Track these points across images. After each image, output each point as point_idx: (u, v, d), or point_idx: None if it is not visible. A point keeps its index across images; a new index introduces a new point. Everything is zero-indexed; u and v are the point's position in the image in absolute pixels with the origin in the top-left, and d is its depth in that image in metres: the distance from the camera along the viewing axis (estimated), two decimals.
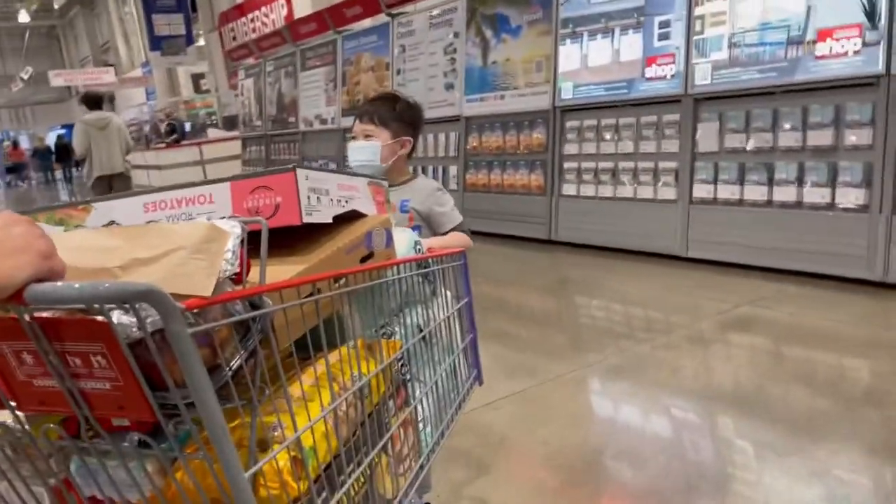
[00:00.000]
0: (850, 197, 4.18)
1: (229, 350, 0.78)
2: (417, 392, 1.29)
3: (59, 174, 24.51)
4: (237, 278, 0.81)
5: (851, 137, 4.19)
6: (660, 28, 5.19)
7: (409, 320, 1.33)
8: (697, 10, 4.92)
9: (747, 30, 4.64)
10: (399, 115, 2.11)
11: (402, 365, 1.25)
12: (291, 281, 0.89)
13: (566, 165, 6.00)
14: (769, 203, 4.58)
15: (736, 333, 3.65)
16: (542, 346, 3.76)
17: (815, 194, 4.34)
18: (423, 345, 1.33)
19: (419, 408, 1.29)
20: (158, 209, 1.06)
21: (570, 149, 5.97)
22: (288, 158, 10.38)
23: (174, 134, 14.32)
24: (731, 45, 4.72)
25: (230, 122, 13.82)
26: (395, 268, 1.23)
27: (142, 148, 14.85)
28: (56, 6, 33.80)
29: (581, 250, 5.81)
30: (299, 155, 9.89)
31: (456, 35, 7.08)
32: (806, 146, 4.40)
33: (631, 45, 5.40)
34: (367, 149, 2.07)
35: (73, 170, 22.51)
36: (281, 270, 0.96)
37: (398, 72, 7.94)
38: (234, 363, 0.78)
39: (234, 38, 13.77)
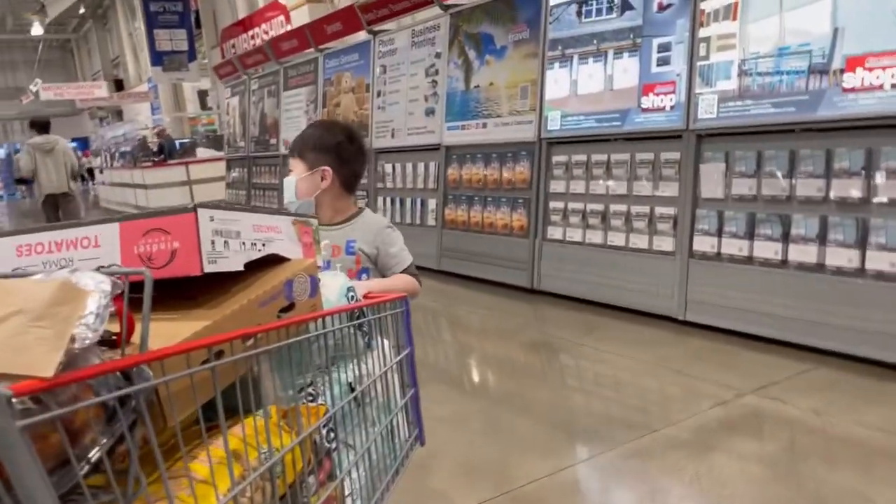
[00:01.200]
0: (884, 261, 3.39)
1: (90, 436, 0.65)
2: (346, 462, 1.15)
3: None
4: (117, 341, 0.73)
5: (888, 188, 3.40)
6: (659, 51, 4.46)
7: (338, 377, 1.19)
8: (702, 32, 4.18)
9: (761, 55, 3.88)
10: (315, 144, 1.97)
11: (328, 431, 1.10)
12: (179, 346, 0.75)
13: (552, 205, 5.25)
14: (784, 263, 3.80)
15: (738, 438, 2.85)
16: (500, 435, 2.98)
17: (840, 256, 3.55)
18: (355, 405, 1.20)
19: (347, 480, 1.14)
20: (34, 252, 0.95)
21: (557, 186, 5.22)
22: (268, 183, 9.72)
23: (161, 153, 13.76)
24: (742, 73, 3.97)
25: (219, 142, 13.24)
26: (321, 321, 1.09)
27: (129, 166, 14.30)
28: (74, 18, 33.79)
29: (565, 303, 5.04)
30: (280, 178, 9.21)
31: (438, 55, 6.39)
32: (829, 197, 3.62)
33: (626, 71, 4.66)
34: (289, 184, 1.96)
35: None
36: (176, 329, 0.85)
37: (378, 94, 7.26)
38: (94, 454, 0.65)
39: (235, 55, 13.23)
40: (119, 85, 28.09)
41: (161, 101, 23.09)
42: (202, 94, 21.78)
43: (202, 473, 0.79)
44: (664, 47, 4.43)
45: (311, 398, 1.10)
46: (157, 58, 19.21)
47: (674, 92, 4.35)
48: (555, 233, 5.23)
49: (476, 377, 4.07)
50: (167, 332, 0.82)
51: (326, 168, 1.96)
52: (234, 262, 0.99)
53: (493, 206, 5.76)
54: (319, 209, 1.97)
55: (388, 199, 7.04)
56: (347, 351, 1.22)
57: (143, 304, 0.74)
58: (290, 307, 1.08)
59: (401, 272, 2.01)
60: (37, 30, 30.12)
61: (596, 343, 4.19)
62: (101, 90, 23.69)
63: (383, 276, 2.00)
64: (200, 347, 0.78)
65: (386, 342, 1.34)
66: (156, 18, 19.00)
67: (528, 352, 4.26)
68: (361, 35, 7.61)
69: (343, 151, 1.99)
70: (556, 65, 5.18)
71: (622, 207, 4.73)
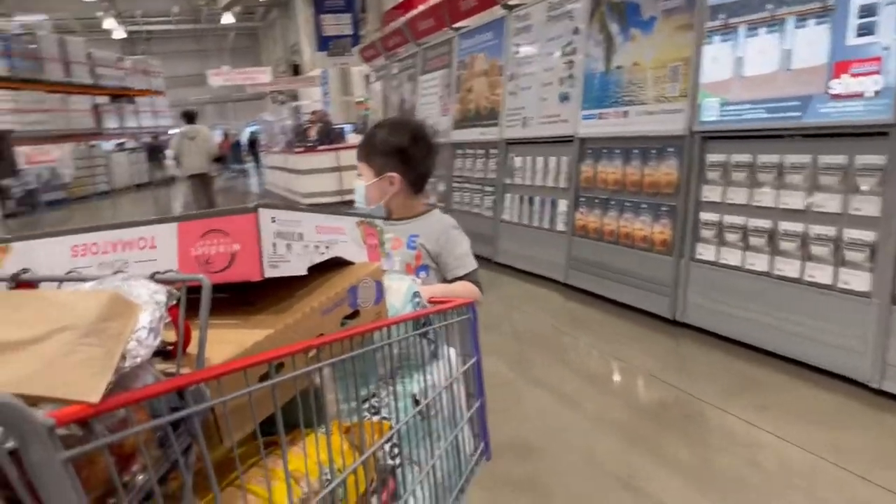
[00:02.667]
0: None
1: (141, 462, 0.60)
2: (410, 479, 1.06)
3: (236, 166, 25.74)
4: (172, 351, 0.68)
5: None
6: (860, 16, 3.24)
7: (402, 389, 1.10)
8: None
9: None
10: (381, 148, 1.88)
11: (391, 447, 1.03)
12: (238, 362, 0.70)
13: (703, 217, 4.15)
14: None
15: None
16: None
17: None
18: (420, 418, 1.11)
19: (412, 500, 1.05)
20: (89, 253, 0.90)
21: (711, 193, 4.12)
22: None
23: (321, 138, 13.77)
24: None
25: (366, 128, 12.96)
26: (386, 329, 1.02)
27: (286, 150, 14.49)
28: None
29: (714, 343, 3.96)
30: None
31: (576, 31, 5.41)
32: None
33: (811, 44, 3.47)
34: (358, 189, 1.97)
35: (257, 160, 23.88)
36: (235, 339, 0.79)
37: (510, 77, 6.40)
38: (144, 482, 0.60)
39: None
40: (296, 70, 29.22)
41: (330, 86, 23.64)
42: (367, 79, 21.96)
43: (260, 495, 0.76)
44: (868, 10, 3.20)
45: (373, 411, 1.05)
46: (324, 42, 19.54)
47: (879, 72, 3.12)
48: (706, 252, 4.13)
49: (554, 449, 3.17)
50: (225, 341, 0.77)
51: (394, 174, 1.88)
52: (296, 266, 0.91)
53: (632, 212, 4.74)
54: (392, 212, 1.92)
55: (517, 198, 6.19)
56: (412, 361, 1.15)
57: (199, 312, 0.68)
58: (354, 315, 1.00)
59: (462, 277, 1.88)
60: (227, 19, 32.18)
61: (749, 411, 3.12)
62: (264, 76, 24.65)
63: (444, 278, 1.90)
64: (261, 363, 0.73)
65: (452, 351, 1.28)
66: (323, 3, 19.32)
67: (645, 416, 3.26)
68: (497, 11, 6.77)
69: (410, 154, 1.89)
70: (717, 38, 4.05)
71: (797, 227, 3.56)
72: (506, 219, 6.38)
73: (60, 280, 0.79)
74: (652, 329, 4.35)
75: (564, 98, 5.54)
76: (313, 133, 14.74)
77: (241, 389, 0.69)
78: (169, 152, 13.91)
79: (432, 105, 8.19)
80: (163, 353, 0.67)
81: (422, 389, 1.14)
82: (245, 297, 0.93)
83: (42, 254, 0.93)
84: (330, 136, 14.02)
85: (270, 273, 0.86)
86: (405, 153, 1.88)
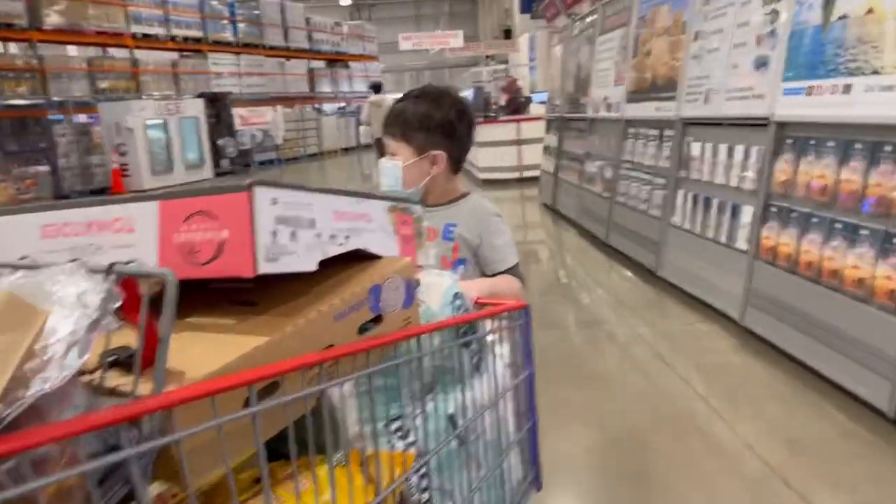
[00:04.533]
0: None
1: None
2: None
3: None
4: (143, 362, 0.55)
5: None
6: None
7: (437, 408, 0.96)
8: None
9: None
10: (424, 123, 1.69)
11: (420, 476, 0.89)
12: (206, 385, 0.56)
13: None
14: None
15: None
16: None
17: None
18: (457, 443, 0.97)
19: None
20: (61, 234, 0.78)
21: None
22: (573, 152, 7.86)
23: (510, 107, 12.72)
24: None
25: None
26: (415, 339, 0.87)
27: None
28: None
29: None
30: (585, 145, 7.28)
31: None
32: None
33: None
34: (390, 170, 1.70)
35: None
36: (217, 349, 0.66)
37: (695, 36, 4.82)
38: None
39: None
40: (507, 34, 28.34)
41: (537, 51, 22.37)
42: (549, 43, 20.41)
43: None
44: None
45: (401, 435, 0.91)
46: (527, 4, 18.32)
47: None
48: None
49: None
50: (206, 353, 0.66)
51: (439, 153, 1.69)
52: (303, 261, 0.77)
53: (847, 239, 3.12)
54: (426, 197, 1.71)
55: (691, 197, 4.67)
56: (449, 375, 1.00)
57: (161, 318, 0.56)
58: (376, 320, 0.85)
59: (504, 271, 1.70)
60: None
61: None
62: (456, 39, 23.83)
63: (482, 272, 1.71)
64: (237, 386, 0.58)
65: (499, 362, 1.10)
66: None
67: None
68: None
69: (456, 129, 1.71)
70: None
71: None
72: (676, 222, 4.89)
73: (14, 266, 0.63)
74: (870, 430, 2.78)
75: (761, 64, 3.92)
76: (502, 102, 13.76)
77: (210, 420, 0.55)
78: (363, 118, 14.62)
79: (607, 72, 6.74)
80: (123, 364, 0.56)
81: (460, 408, 0.98)
82: (244, 295, 0.79)
83: (9, 232, 0.80)
84: (516, 106, 12.93)
85: (267, 268, 0.70)
86: (452, 128, 1.71)
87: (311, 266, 0.78)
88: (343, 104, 24.42)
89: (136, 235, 0.74)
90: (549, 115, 9.62)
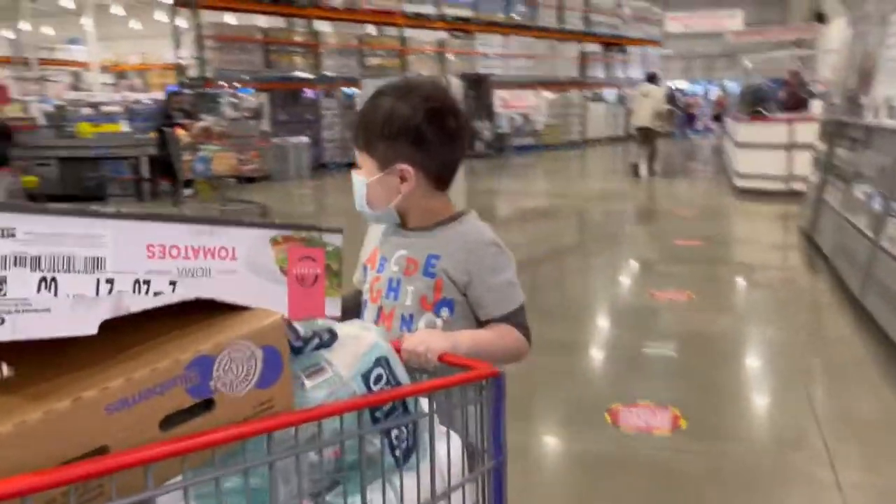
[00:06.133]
0: None
1: None
2: None
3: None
4: None
5: None
6: None
7: None
8: None
9: None
10: (385, 128, 1.37)
11: None
12: None
13: None
14: None
15: None
16: None
17: None
18: None
19: None
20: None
21: None
22: (840, 167, 6.01)
23: (786, 102, 10.68)
24: None
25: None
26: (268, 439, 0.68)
27: (740, 116, 11.63)
28: None
29: None
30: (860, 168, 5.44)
31: None
32: None
33: None
34: (356, 187, 1.44)
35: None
36: None
37: None
38: None
39: None
40: (819, 19, 24.59)
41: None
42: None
43: None
44: None
45: None
46: None
47: None
48: None
49: None
50: None
51: (405, 166, 1.37)
52: (65, 321, 0.58)
53: None
54: (405, 218, 1.44)
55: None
56: (359, 469, 0.77)
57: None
58: (204, 404, 0.65)
59: (500, 318, 1.37)
60: None
61: None
62: (734, 20, 20.78)
63: (476, 318, 1.38)
64: None
65: (453, 443, 0.94)
66: None
67: None
68: None
69: (425, 135, 1.36)
70: None
71: None
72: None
73: None
74: None
75: None
76: (782, 96, 11.66)
77: None
78: (631, 106, 14.85)
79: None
80: None
81: None
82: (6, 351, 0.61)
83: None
84: (795, 102, 10.82)
85: None
86: (419, 134, 1.36)
87: (81, 328, 0.60)
88: (617, 91, 23.10)
89: None
90: (824, 115, 7.63)
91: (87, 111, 14.93)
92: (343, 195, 3.81)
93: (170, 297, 0.67)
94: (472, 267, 1.40)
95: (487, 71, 18.06)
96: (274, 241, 0.78)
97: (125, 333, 0.66)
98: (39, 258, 0.57)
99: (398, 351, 1.10)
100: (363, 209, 1.44)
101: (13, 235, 0.55)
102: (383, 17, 15.61)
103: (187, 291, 0.68)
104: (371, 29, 16.40)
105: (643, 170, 12.01)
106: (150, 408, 0.62)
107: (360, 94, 14.72)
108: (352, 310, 1.42)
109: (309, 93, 14.80)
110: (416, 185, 1.39)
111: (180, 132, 8.09)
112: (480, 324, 1.40)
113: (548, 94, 19.99)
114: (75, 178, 9.65)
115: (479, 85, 17.15)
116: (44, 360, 0.64)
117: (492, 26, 18.34)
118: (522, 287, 1.45)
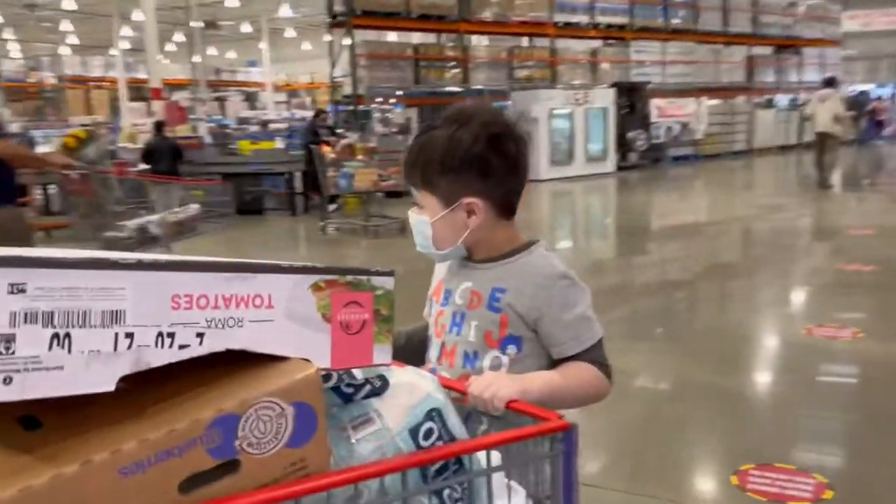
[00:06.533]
0: None
1: None
2: None
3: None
4: None
5: None
6: None
7: None
8: None
9: None
10: (447, 162, 1.29)
11: None
12: None
13: None
14: None
15: None
16: None
17: None
18: None
19: None
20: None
21: None
22: None
23: None
24: None
25: None
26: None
27: None
28: None
29: None
30: None
31: None
32: None
33: None
34: (417, 227, 1.38)
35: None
36: None
37: None
38: None
39: None
40: None
41: None
42: None
43: None
44: None
45: None
46: None
47: None
48: None
49: None
50: None
51: (472, 199, 1.30)
52: (79, 379, 0.55)
53: None
54: (471, 251, 1.38)
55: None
56: None
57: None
58: (228, 465, 0.61)
59: (576, 356, 1.27)
60: None
61: None
62: None
63: (549, 356, 1.30)
64: None
65: (516, 501, 0.88)
66: None
67: None
68: None
69: (491, 164, 1.29)
70: None
71: None
72: None
73: None
74: None
75: None
76: None
77: None
78: (806, 112, 13.65)
79: None
80: None
81: None
82: (37, 406, 0.57)
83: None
84: None
85: None
86: (485, 164, 1.29)
87: (96, 386, 0.58)
88: (791, 96, 21.34)
89: None
90: None
91: (254, 129, 16.03)
92: None
93: (197, 350, 0.64)
94: (541, 302, 1.33)
95: (643, 78, 17.33)
96: (316, 287, 0.75)
97: (149, 387, 0.63)
98: (52, 314, 0.56)
99: (463, 393, 1.07)
100: (428, 250, 1.39)
101: (24, 291, 0.54)
102: (534, 29, 15.43)
103: (216, 343, 0.65)
104: (522, 40, 16.28)
105: (829, 180, 11.28)
106: (168, 470, 0.60)
107: (510, 106, 14.63)
108: (419, 345, 1.42)
109: None
110: (484, 218, 1.34)
111: (325, 149, 8.38)
112: (555, 362, 1.32)
113: (709, 102, 18.83)
114: (236, 192, 10.31)
115: (633, 93, 16.51)
116: (58, 416, 0.61)
117: (649, 32, 17.60)
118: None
